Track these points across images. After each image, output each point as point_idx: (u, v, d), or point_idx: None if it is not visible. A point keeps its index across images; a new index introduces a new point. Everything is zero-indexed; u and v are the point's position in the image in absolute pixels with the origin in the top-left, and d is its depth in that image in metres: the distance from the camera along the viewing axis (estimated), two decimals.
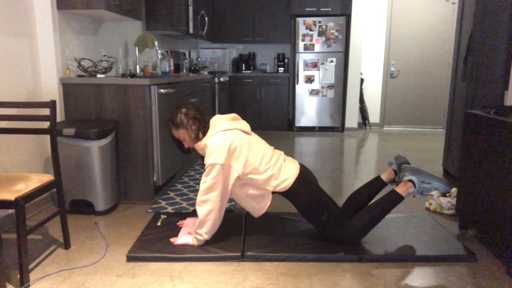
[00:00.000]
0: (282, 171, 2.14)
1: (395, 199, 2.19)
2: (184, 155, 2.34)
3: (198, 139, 2.18)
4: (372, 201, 2.30)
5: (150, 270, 1.98)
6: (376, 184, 2.38)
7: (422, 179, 2.20)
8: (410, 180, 2.20)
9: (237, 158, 2.06)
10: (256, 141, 2.18)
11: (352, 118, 6.27)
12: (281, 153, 2.27)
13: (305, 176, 2.17)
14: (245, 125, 2.21)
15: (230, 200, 2.97)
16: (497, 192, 2.03)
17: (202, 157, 2.28)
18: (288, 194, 2.15)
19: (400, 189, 2.20)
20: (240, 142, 2.07)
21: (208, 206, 2.09)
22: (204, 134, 2.18)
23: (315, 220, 2.18)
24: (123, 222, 2.61)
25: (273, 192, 2.17)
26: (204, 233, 2.14)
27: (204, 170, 2.09)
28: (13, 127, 2.08)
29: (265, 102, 6.37)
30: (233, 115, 2.29)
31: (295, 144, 5.31)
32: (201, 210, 2.10)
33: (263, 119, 6.42)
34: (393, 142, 5.55)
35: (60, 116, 2.85)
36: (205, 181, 2.06)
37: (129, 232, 2.45)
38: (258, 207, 2.18)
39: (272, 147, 2.28)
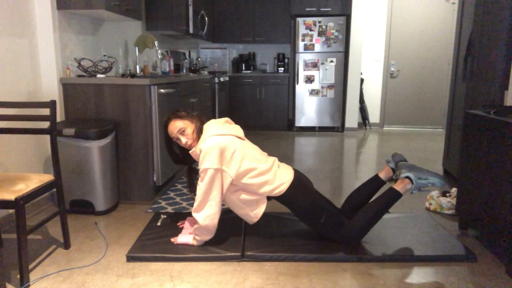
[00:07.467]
0: (277, 176, 2.15)
1: (393, 196, 2.20)
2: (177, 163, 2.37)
3: (197, 137, 2.17)
4: (371, 200, 2.31)
5: (150, 270, 1.98)
6: (375, 182, 2.39)
7: (419, 175, 2.22)
8: (407, 177, 2.22)
9: (230, 163, 2.06)
10: (250, 146, 2.19)
11: (352, 118, 6.27)
12: (275, 159, 2.27)
13: (299, 181, 2.18)
14: (238, 130, 2.22)
15: None
16: (497, 192, 2.03)
17: (188, 173, 2.35)
18: (284, 199, 2.15)
19: (398, 186, 2.21)
20: (234, 147, 2.08)
21: (205, 211, 2.09)
22: (199, 137, 2.18)
23: (314, 223, 2.18)
24: (123, 222, 2.61)
25: (269, 198, 2.17)
26: (203, 235, 2.15)
27: (199, 176, 2.09)
28: (13, 127, 2.08)
29: (265, 102, 6.37)
30: (226, 119, 2.31)
31: (295, 144, 5.31)
32: (198, 216, 2.10)
33: (263, 119, 6.42)
34: (393, 142, 5.55)
35: (60, 116, 2.85)
36: (200, 187, 2.07)
37: (129, 232, 2.45)
38: (253, 213, 2.17)
39: (266, 153, 2.28)
